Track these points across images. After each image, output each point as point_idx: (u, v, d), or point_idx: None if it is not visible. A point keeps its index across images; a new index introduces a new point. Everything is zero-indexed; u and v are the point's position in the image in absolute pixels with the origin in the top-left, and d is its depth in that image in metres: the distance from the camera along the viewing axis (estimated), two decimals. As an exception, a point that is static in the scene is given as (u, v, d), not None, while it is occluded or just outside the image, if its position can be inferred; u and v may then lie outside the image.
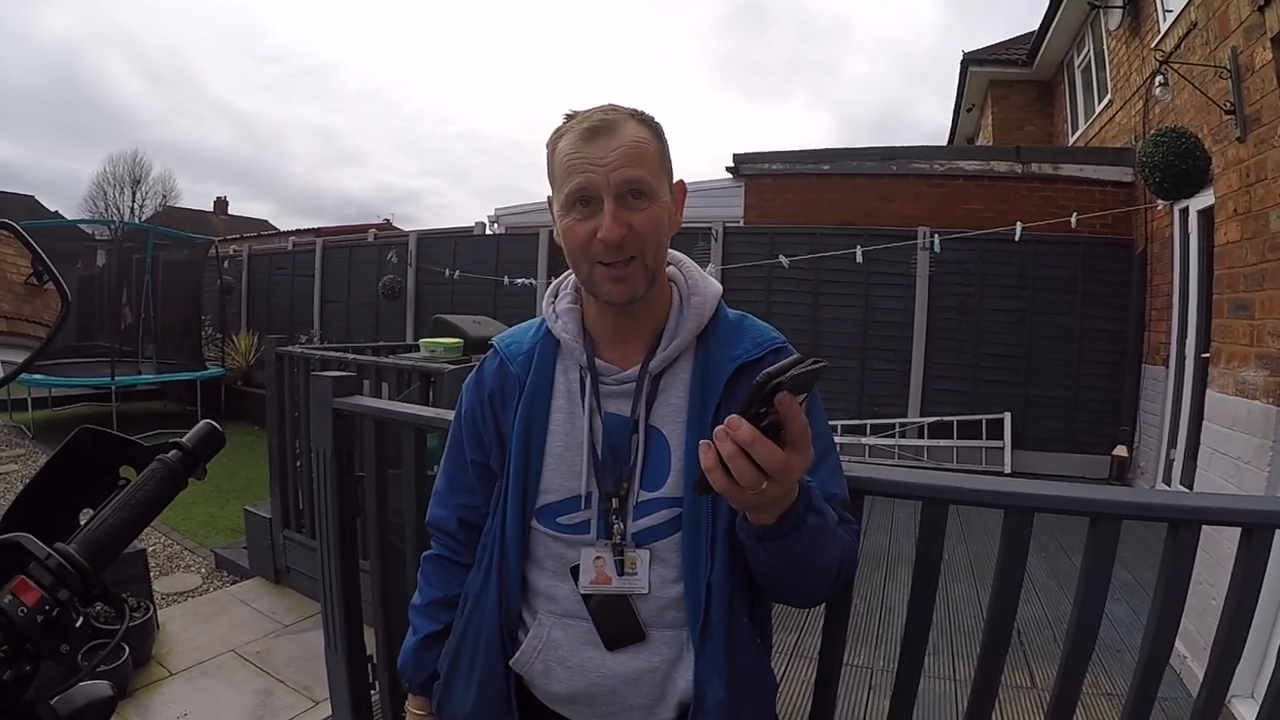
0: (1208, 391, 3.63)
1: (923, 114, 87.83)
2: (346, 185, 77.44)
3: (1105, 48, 8.09)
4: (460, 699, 1.09)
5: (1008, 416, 7.00)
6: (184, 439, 0.72)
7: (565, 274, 1.12)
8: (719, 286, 1.11)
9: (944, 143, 14.57)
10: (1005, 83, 11.15)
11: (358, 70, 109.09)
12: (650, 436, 1.03)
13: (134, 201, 33.15)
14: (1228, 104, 3.63)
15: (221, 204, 36.18)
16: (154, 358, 10.59)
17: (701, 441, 0.79)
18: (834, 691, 1.39)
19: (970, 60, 11.39)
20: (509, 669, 1.06)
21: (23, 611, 0.57)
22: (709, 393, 1.02)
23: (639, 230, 0.96)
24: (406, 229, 13.96)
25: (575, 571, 1.03)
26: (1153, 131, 5.13)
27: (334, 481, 2.05)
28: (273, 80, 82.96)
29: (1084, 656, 1.26)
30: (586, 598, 1.02)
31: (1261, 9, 3.27)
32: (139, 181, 33.47)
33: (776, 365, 0.75)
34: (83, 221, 20.50)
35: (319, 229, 17.44)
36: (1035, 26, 9.77)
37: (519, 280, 8.63)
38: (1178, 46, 5.34)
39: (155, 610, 3.57)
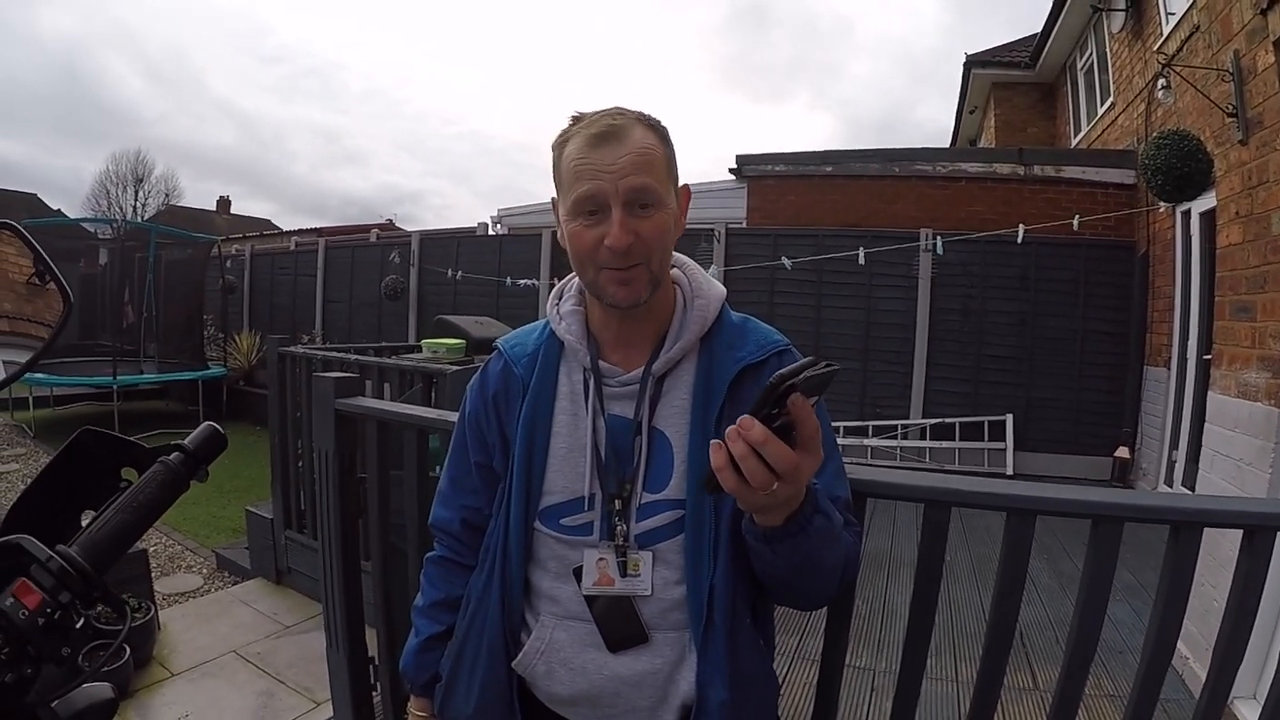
0: (1209, 393, 3.63)
1: (925, 115, 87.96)
2: (349, 185, 77.59)
3: (1108, 50, 8.08)
4: (462, 701, 1.09)
5: (1009, 418, 7.00)
6: (186, 441, 0.72)
7: (569, 276, 1.12)
8: (722, 289, 1.11)
9: (946, 144, 14.57)
10: (1008, 85, 11.14)
11: (361, 70, 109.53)
12: (653, 438, 1.03)
13: (137, 200, 33.20)
14: (1230, 107, 3.62)
15: (224, 203, 36.29)
16: (156, 357, 10.62)
17: (713, 441, 0.79)
18: (836, 693, 1.39)
19: (973, 62, 11.38)
20: (511, 671, 1.06)
21: (24, 614, 0.57)
22: (712, 395, 1.02)
23: (646, 238, 0.96)
24: (409, 229, 13.97)
25: (578, 573, 1.03)
26: (1155, 134, 5.12)
27: (336, 482, 2.05)
28: (275, 80, 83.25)
29: (1086, 658, 1.26)
30: (590, 600, 1.02)
31: (1264, 12, 3.27)
32: (142, 180, 33.52)
33: (790, 367, 0.75)
34: (85, 220, 20.51)
35: (321, 229, 17.44)
36: (1038, 29, 9.76)
37: (522, 281, 8.62)
38: (1180, 49, 5.34)
39: (156, 611, 3.57)
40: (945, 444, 7.09)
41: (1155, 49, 6.08)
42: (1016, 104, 11.08)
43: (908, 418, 7.26)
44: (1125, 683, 2.76)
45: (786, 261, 7.26)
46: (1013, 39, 12.15)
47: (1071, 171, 7.32)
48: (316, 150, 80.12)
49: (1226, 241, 3.53)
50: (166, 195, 34.20)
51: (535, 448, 1.05)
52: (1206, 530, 1.22)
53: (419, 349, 4.64)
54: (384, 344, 6.40)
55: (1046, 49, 9.73)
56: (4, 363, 0.85)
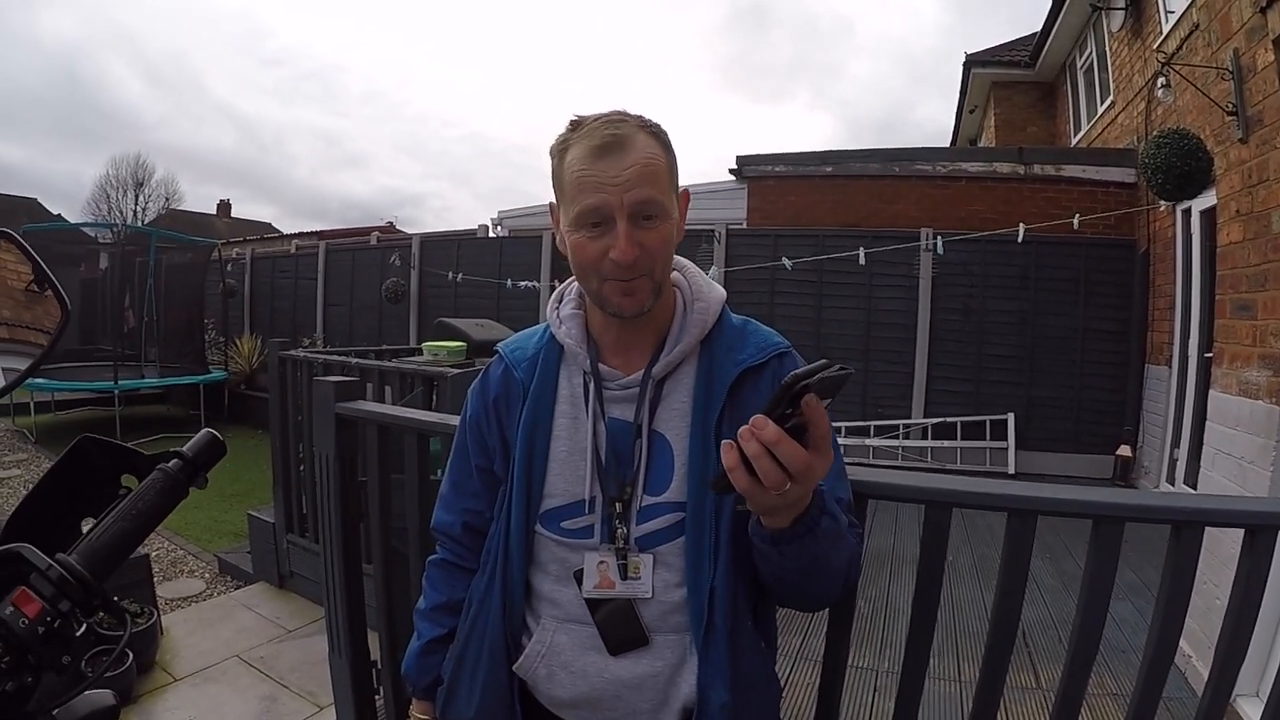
0: (1210, 391, 3.62)
1: (925, 115, 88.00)
2: (350, 188, 77.77)
3: (1107, 49, 8.09)
4: (464, 704, 1.09)
5: (1011, 417, 6.99)
6: (185, 448, 0.72)
7: (569, 280, 1.12)
8: (722, 291, 1.11)
9: (946, 144, 14.57)
10: (1008, 84, 11.14)
11: (361, 73, 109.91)
12: (654, 441, 1.03)
13: (137, 204, 33.27)
14: (1230, 105, 3.62)
15: (225, 207, 36.37)
16: (157, 361, 10.62)
17: (725, 441, 0.79)
18: (838, 695, 1.39)
19: (973, 62, 11.38)
20: (512, 674, 1.06)
21: (24, 623, 0.57)
22: (713, 398, 1.02)
23: (651, 249, 0.96)
24: (410, 232, 13.95)
25: (579, 576, 1.03)
26: (1155, 133, 5.12)
27: (337, 486, 2.05)
28: (276, 83, 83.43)
29: (1089, 657, 1.26)
30: (591, 604, 1.02)
31: (1263, 10, 3.26)
32: (142, 184, 33.60)
33: (805, 368, 0.75)
34: (86, 225, 20.56)
35: (322, 232, 17.44)
36: (1038, 28, 9.77)
37: (522, 283, 8.62)
38: (1179, 48, 5.33)
39: (159, 616, 3.57)
40: (947, 443, 7.08)
41: (1155, 47, 6.08)
42: (1016, 103, 11.08)
43: (909, 417, 7.26)
44: (1128, 681, 2.76)
45: (787, 262, 7.26)
46: (1012, 38, 12.16)
47: (1071, 170, 7.32)
48: (317, 153, 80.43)
49: (1227, 240, 3.53)
50: (167, 199, 34.33)
51: (536, 451, 1.05)
52: (1208, 529, 1.22)
53: (420, 352, 4.64)
54: (385, 347, 6.40)
55: (1046, 48, 9.73)
56: (3, 370, 0.85)
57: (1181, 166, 4.61)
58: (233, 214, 36.52)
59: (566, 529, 1.04)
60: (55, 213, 29.45)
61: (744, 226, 8.27)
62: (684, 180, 1.05)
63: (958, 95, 12.55)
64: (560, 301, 1.13)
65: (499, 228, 10.94)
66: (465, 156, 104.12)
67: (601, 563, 1.02)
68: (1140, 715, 1.25)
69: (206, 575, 4.84)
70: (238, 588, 4.58)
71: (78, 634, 0.61)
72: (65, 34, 63.25)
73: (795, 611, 1.10)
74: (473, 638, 1.09)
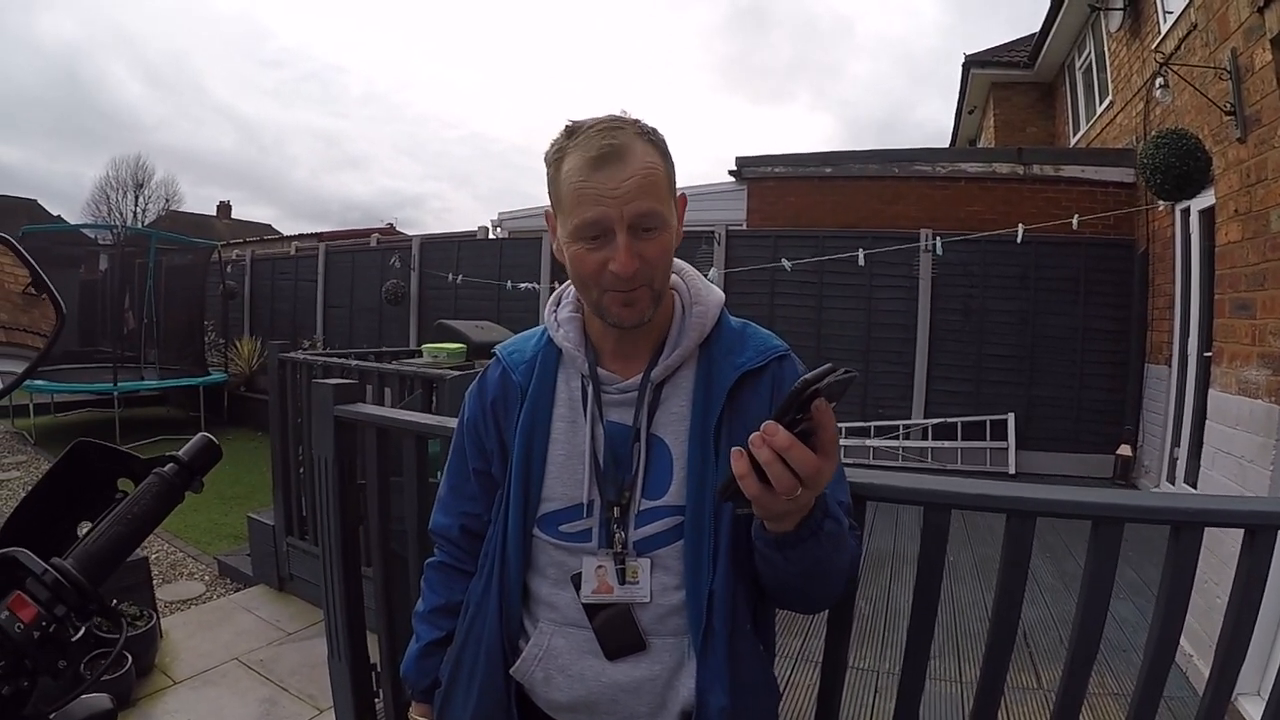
0: (1210, 391, 3.63)
1: (925, 116, 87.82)
2: (350, 189, 77.68)
3: (1106, 49, 8.10)
4: (461, 707, 1.09)
5: (1011, 417, 7.00)
6: (180, 452, 0.72)
7: (566, 283, 1.11)
8: (721, 294, 1.11)
9: (946, 144, 14.57)
10: (1007, 85, 11.16)
11: (361, 74, 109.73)
12: (652, 445, 1.03)
13: (137, 206, 33.24)
14: (1228, 105, 3.63)
15: (225, 208, 36.33)
16: (157, 363, 10.61)
17: (734, 449, 0.78)
18: (838, 698, 1.39)
19: (972, 62, 11.39)
20: (510, 677, 1.06)
21: (19, 628, 0.57)
22: (712, 401, 1.02)
23: (651, 260, 0.95)
24: (410, 233, 13.96)
25: (576, 580, 1.03)
26: (1154, 133, 5.12)
27: (336, 489, 2.05)
28: (275, 84, 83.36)
29: (1089, 657, 1.26)
30: (589, 609, 1.02)
31: (1261, 10, 3.27)
32: (142, 186, 33.56)
33: (814, 372, 0.75)
34: (85, 226, 20.52)
35: (322, 233, 17.46)
36: (1037, 28, 9.78)
37: (522, 285, 8.63)
38: (1178, 48, 5.33)
39: (158, 618, 3.57)
40: (947, 444, 7.09)
41: (1153, 48, 6.08)
42: (1015, 104, 11.09)
43: (910, 418, 7.26)
44: (1129, 681, 2.76)
45: (787, 263, 7.26)
46: (1012, 39, 12.18)
47: (1071, 171, 7.34)
48: (317, 154, 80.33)
49: (1225, 239, 3.53)
50: (167, 200, 34.30)
51: (534, 454, 1.05)
52: (1208, 528, 1.22)
53: (419, 354, 4.63)
54: (384, 349, 6.40)
55: (1045, 48, 9.75)
56: (0, 373, 0.85)
57: (1180, 166, 4.61)
58: (233, 215, 36.50)
59: (564, 533, 1.04)
60: (55, 214, 29.46)
61: (744, 228, 8.27)
62: (683, 182, 1.05)
63: (957, 96, 12.57)
64: (558, 304, 1.13)
65: (499, 229, 10.95)
66: (465, 158, 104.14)
67: (599, 567, 1.01)
68: (1141, 714, 1.25)
69: (206, 578, 4.84)
70: (237, 590, 4.57)
71: (74, 638, 0.60)
72: (65, 35, 63.26)
73: (794, 613, 1.10)
74: (470, 641, 1.09)
